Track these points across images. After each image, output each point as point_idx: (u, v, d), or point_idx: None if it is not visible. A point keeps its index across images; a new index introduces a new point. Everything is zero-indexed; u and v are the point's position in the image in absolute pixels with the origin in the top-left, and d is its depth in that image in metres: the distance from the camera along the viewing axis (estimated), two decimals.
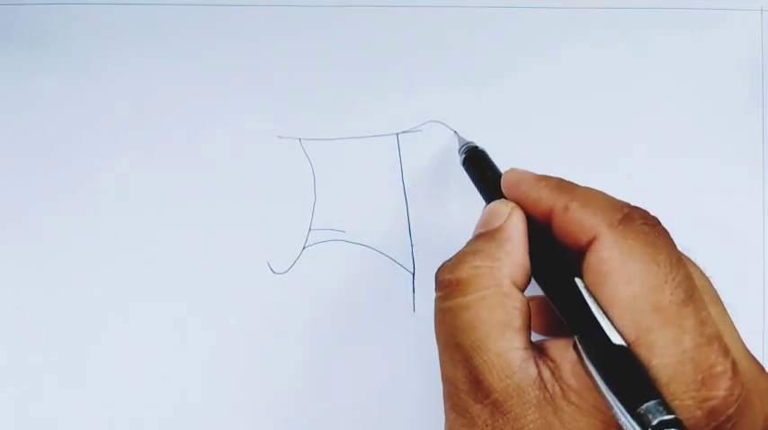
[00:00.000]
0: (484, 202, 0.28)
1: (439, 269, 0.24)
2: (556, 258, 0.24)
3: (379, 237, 0.33)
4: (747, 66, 0.34)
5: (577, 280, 0.22)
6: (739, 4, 0.34)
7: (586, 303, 0.22)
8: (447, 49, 0.34)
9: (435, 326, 0.24)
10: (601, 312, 0.21)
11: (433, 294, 0.32)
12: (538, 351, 0.22)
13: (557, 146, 0.33)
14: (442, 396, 0.32)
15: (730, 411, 0.20)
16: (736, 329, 0.24)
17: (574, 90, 0.34)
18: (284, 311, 0.33)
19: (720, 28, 0.34)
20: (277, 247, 0.33)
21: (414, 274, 0.33)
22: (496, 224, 0.25)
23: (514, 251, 0.24)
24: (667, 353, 0.20)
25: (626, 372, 0.20)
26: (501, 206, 0.25)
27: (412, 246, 0.33)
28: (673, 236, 0.25)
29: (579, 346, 0.21)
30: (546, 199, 0.24)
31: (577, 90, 0.34)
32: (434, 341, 0.32)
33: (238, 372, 0.32)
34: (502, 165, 0.33)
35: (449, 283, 0.23)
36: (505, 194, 0.26)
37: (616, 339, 0.21)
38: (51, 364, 0.32)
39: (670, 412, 0.19)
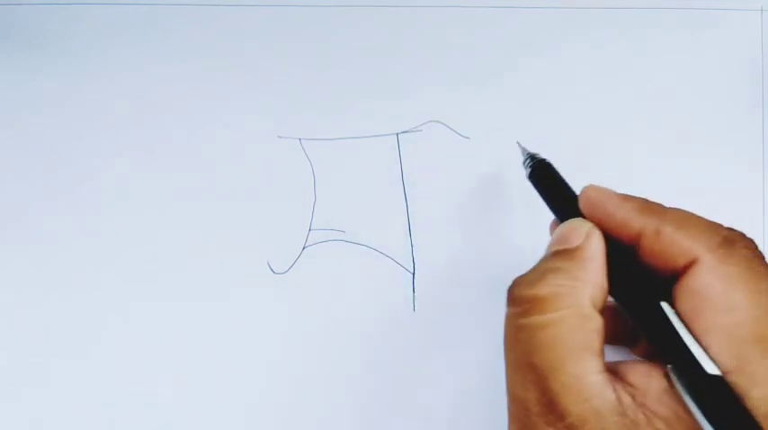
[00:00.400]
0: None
1: (515, 284, 0.23)
2: (642, 281, 0.23)
3: (379, 237, 0.33)
4: (747, 66, 0.34)
5: (664, 305, 0.22)
6: (739, 4, 0.34)
7: (676, 330, 0.21)
8: (447, 49, 0.34)
9: (507, 342, 0.23)
10: (693, 340, 0.21)
11: (433, 294, 0.33)
12: (613, 374, 0.22)
13: (557, 146, 0.33)
14: (441, 395, 0.32)
15: None
16: None
17: (574, 90, 0.34)
18: (284, 311, 0.33)
19: (720, 28, 0.34)
20: (277, 247, 0.33)
21: (414, 274, 0.33)
22: (575, 243, 0.24)
23: (595, 272, 0.23)
24: None
25: (724, 404, 0.20)
26: (580, 224, 0.24)
27: (412, 246, 0.33)
28: None
29: (672, 375, 0.21)
30: (634, 221, 0.23)
31: (577, 90, 0.34)
32: (434, 340, 0.32)
33: (238, 372, 0.32)
34: (502, 165, 0.33)
35: (527, 300, 0.22)
36: (585, 213, 0.25)
37: (711, 369, 0.20)
38: (51, 364, 0.32)
39: None
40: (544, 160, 0.29)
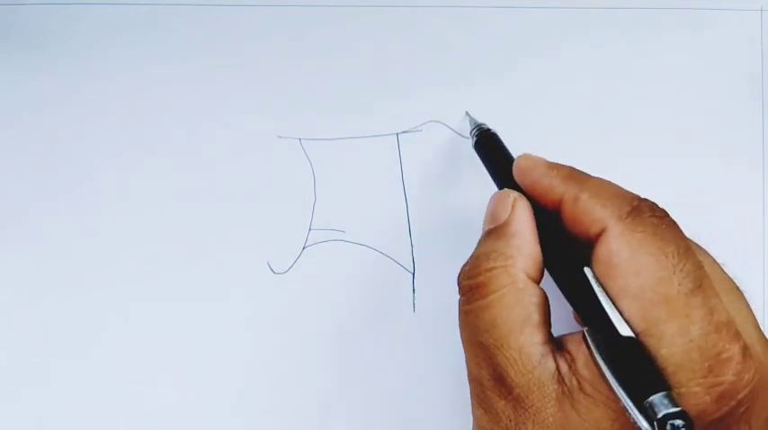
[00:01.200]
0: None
1: (459, 275, 0.25)
2: (565, 248, 0.24)
3: (379, 237, 0.33)
4: (747, 66, 0.34)
5: (587, 270, 0.23)
6: (739, 4, 0.34)
7: (595, 294, 0.22)
8: (447, 49, 0.34)
9: (460, 327, 0.25)
10: (609, 303, 0.22)
11: (433, 294, 0.33)
12: (557, 345, 0.23)
13: (556, 145, 0.33)
14: (441, 395, 0.32)
15: (741, 395, 0.20)
16: (752, 317, 0.24)
17: (574, 90, 0.34)
18: (284, 311, 0.33)
19: (720, 28, 0.34)
20: (277, 247, 0.33)
21: (414, 274, 0.33)
22: (503, 217, 0.25)
23: (524, 244, 0.24)
24: (675, 342, 0.20)
25: (633, 364, 0.20)
26: (504, 197, 0.25)
27: (412, 246, 0.33)
28: None
29: (588, 338, 0.21)
30: (557, 188, 0.24)
31: (577, 90, 0.34)
32: (434, 340, 0.32)
33: (238, 372, 0.32)
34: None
35: (469, 288, 0.24)
36: (517, 180, 0.26)
37: (624, 330, 0.21)
38: (51, 364, 0.32)
39: (676, 405, 0.19)
40: (489, 130, 0.30)
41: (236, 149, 0.33)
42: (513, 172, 0.26)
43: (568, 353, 0.22)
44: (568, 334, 0.23)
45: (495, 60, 0.34)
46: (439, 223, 0.33)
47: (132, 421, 0.32)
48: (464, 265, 0.25)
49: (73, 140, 0.33)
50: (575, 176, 0.25)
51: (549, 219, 0.25)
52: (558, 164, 0.25)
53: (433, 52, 0.34)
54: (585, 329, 0.22)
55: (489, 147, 0.30)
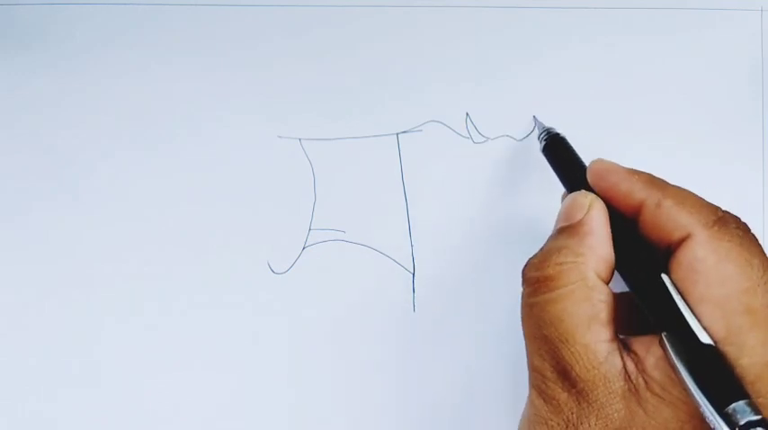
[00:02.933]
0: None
1: (525, 266, 0.25)
2: (641, 253, 0.24)
3: (379, 237, 0.33)
4: (747, 66, 0.34)
5: (664, 276, 0.23)
6: (739, 4, 0.34)
7: (674, 300, 0.22)
8: (447, 49, 0.34)
9: (522, 319, 0.25)
10: (689, 310, 0.22)
11: (433, 294, 0.33)
12: (622, 344, 0.23)
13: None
14: (441, 394, 0.32)
15: None
16: None
17: (573, 90, 0.34)
18: (284, 311, 0.33)
19: (720, 28, 0.34)
20: (277, 247, 0.33)
21: (414, 274, 0.33)
22: (578, 217, 0.25)
23: (597, 245, 0.24)
24: (756, 353, 0.21)
25: (714, 371, 0.21)
26: (581, 198, 0.25)
27: (412, 246, 0.33)
28: None
29: (666, 343, 0.22)
30: (638, 193, 0.24)
31: (577, 90, 0.34)
32: (434, 340, 0.32)
33: (238, 372, 0.32)
34: (500, 164, 0.33)
35: (536, 280, 0.24)
36: (591, 184, 0.26)
37: (704, 338, 0.21)
38: (51, 364, 0.32)
39: (758, 412, 0.19)
40: (558, 134, 0.30)
41: (236, 149, 0.33)
42: (588, 175, 0.26)
43: (635, 353, 0.22)
44: (631, 337, 0.23)
45: (495, 60, 0.34)
46: (439, 223, 0.33)
47: (132, 420, 0.32)
48: (531, 258, 0.25)
49: (73, 140, 0.33)
50: (656, 182, 0.25)
51: (624, 224, 0.25)
52: (636, 170, 0.25)
53: (433, 52, 0.34)
54: (664, 334, 0.22)
55: (559, 151, 0.29)
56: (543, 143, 0.30)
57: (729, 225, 0.23)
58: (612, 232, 0.25)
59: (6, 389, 0.32)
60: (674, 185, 0.25)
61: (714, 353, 0.21)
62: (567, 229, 0.25)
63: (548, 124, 0.31)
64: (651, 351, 0.22)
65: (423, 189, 0.33)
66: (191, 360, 0.32)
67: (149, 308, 0.33)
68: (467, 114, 0.33)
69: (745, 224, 0.23)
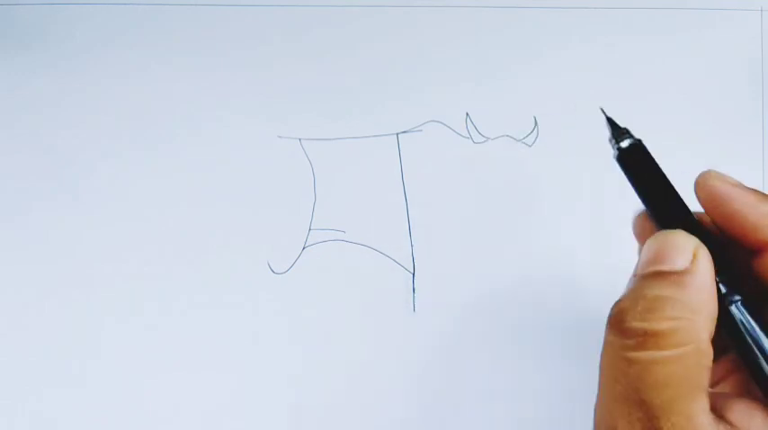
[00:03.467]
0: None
1: (621, 311, 0.21)
2: (753, 304, 0.21)
3: (379, 237, 0.33)
4: (747, 66, 0.34)
5: None
6: (739, 4, 0.34)
7: None
8: (447, 49, 0.34)
9: (611, 373, 0.21)
10: None
11: (433, 294, 0.33)
12: (715, 410, 0.21)
13: (556, 146, 0.33)
14: (442, 396, 0.32)
15: None
16: None
17: (573, 90, 0.34)
18: (284, 311, 0.33)
19: (720, 28, 0.34)
20: (277, 247, 0.33)
21: (414, 274, 0.33)
22: (680, 264, 0.21)
23: (708, 301, 0.21)
24: None
25: None
26: (684, 241, 0.21)
27: (412, 246, 0.33)
28: None
29: None
30: None
31: (577, 90, 0.34)
32: (434, 340, 0.32)
33: (238, 372, 0.32)
34: (500, 164, 0.33)
35: (643, 333, 0.20)
36: (703, 206, 0.23)
37: None
38: (51, 364, 0.32)
39: None
40: (639, 141, 0.24)
41: (236, 149, 0.33)
42: (699, 195, 0.23)
43: (730, 423, 0.20)
44: (720, 397, 0.21)
45: (495, 60, 0.34)
46: (439, 223, 0.33)
47: (132, 420, 0.32)
48: (626, 302, 0.21)
49: (73, 140, 0.33)
50: None
51: (731, 263, 0.21)
52: (764, 193, 0.22)
53: (433, 52, 0.34)
54: None
55: (642, 164, 0.24)
56: (617, 151, 0.24)
57: None
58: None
59: (6, 389, 0.32)
60: None
61: None
62: (669, 277, 0.21)
63: (621, 123, 0.25)
64: (753, 422, 0.20)
65: (423, 189, 0.33)
66: (191, 360, 0.32)
67: (149, 308, 0.33)
68: (467, 114, 0.33)
69: None
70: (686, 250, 0.21)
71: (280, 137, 0.33)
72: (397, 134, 0.33)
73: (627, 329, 0.20)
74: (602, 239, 0.33)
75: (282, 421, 0.32)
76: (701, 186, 0.23)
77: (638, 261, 0.22)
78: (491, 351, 0.32)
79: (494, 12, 0.34)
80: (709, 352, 0.20)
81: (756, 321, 0.21)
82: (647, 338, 0.20)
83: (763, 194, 0.22)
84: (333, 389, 0.32)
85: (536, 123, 0.33)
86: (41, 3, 0.34)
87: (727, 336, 0.21)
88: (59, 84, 0.33)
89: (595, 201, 0.33)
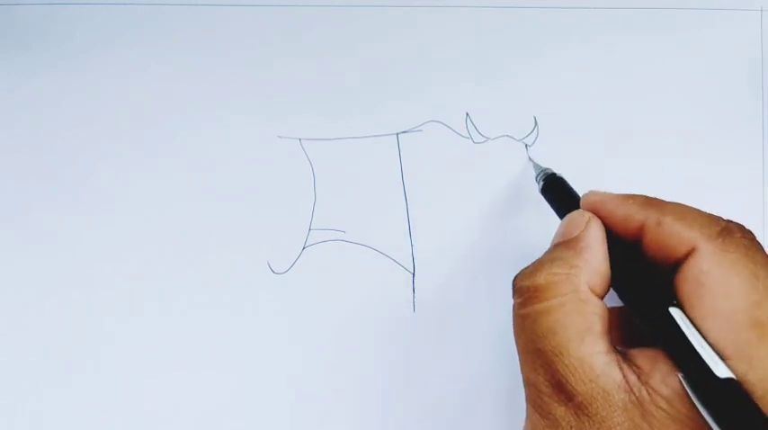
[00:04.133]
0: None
1: (516, 276, 0.25)
2: (649, 283, 0.24)
3: (379, 237, 0.33)
4: (747, 66, 0.34)
5: (674, 310, 0.22)
6: (739, 4, 0.34)
7: (686, 336, 0.21)
8: (447, 49, 0.34)
9: (514, 331, 0.24)
10: (703, 344, 0.21)
11: (433, 294, 0.33)
12: (623, 356, 0.22)
13: (556, 145, 0.33)
14: (441, 395, 0.32)
15: None
16: None
17: (573, 90, 0.34)
18: (284, 311, 0.33)
19: (720, 28, 0.34)
20: (277, 247, 0.33)
21: (414, 274, 0.33)
22: (574, 233, 0.25)
23: (593, 259, 0.24)
24: (764, 367, 0.20)
25: (734, 408, 0.20)
26: (578, 216, 0.25)
27: (412, 246, 0.33)
28: None
29: (684, 382, 0.21)
30: (636, 215, 0.24)
31: (577, 90, 0.34)
32: (434, 340, 0.32)
33: (238, 372, 0.32)
34: (500, 164, 0.33)
35: (527, 290, 0.24)
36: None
37: (721, 372, 0.20)
38: (51, 364, 0.32)
39: None
40: (555, 174, 0.30)
41: (236, 149, 0.33)
42: (583, 207, 0.26)
43: (638, 366, 0.22)
44: (633, 349, 0.23)
45: (495, 60, 0.34)
46: (439, 223, 0.33)
47: (132, 420, 0.32)
48: (523, 269, 0.25)
49: (73, 140, 0.33)
50: (653, 202, 0.24)
51: (627, 252, 0.24)
52: (631, 194, 0.25)
53: (433, 52, 0.34)
54: (681, 376, 0.21)
55: (558, 191, 0.30)
56: (541, 184, 0.30)
57: (734, 235, 0.22)
58: (616, 261, 0.24)
59: (6, 389, 0.32)
60: (671, 202, 0.24)
61: (735, 387, 0.20)
62: (562, 244, 0.25)
63: (543, 164, 0.31)
64: (657, 366, 0.22)
65: (423, 189, 0.33)
66: (191, 360, 0.32)
67: (149, 308, 0.33)
68: (467, 114, 0.33)
69: (749, 232, 0.23)
70: (581, 221, 0.25)
71: (280, 137, 0.33)
72: (397, 134, 0.33)
73: (518, 289, 0.24)
74: None
75: (282, 421, 0.32)
76: (582, 201, 0.26)
77: None
78: (491, 351, 0.32)
79: (494, 12, 0.34)
80: (592, 300, 0.23)
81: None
82: (531, 294, 0.23)
83: (627, 194, 0.25)
84: (333, 389, 0.32)
85: (536, 123, 0.33)
86: (41, 3, 0.34)
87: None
88: (59, 84, 0.33)
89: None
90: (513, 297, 0.25)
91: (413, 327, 0.33)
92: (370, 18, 0.34)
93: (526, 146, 0.33)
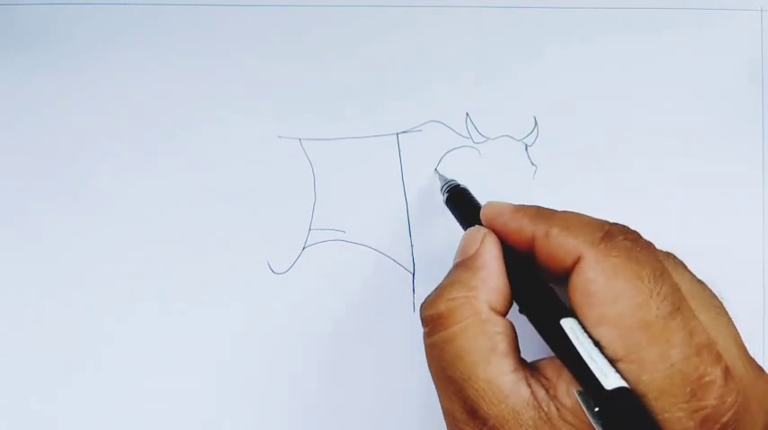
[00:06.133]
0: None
1: (421, 305, 0.25)
2: (542, 295, 0.24)
3: (379, 237, 0.33)
4: (747, 66, 0.34)
5: (563, 322, 0.22)
6: (739, 4, 0.34)
7: (575, 348, 0.21)
8: (447, 49, 0.34)
9: (427, 360, 0.24)
10: (592, 353, 0.21)
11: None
12: (530, 370, 0.23)
13: (556, 145, 0.33)
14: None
15: (725, 419, 0.20)
16: (734, 332, 0.24)
17: (573, 90, 0.34)
18: (284, 311, 0.33)
19: (720, 28, 0.34)
20: (277, 247, 0.33)
21: (414, 274, 0.33)
22: (471, 251, 0.25)
23: (489, 277, 0.24)
24: (656, 368, 0.20)
25: (626, 417, 0.20)
26: (474, 232, 0.26)
27: (412, 246, 0.33)
28: (671, 236, 0.25)
29: (578, 398, 0.21)
30: (526, 227, 0.24)
31: (577, 90, 0.34)
32: None
33: (238, 372, 0.32)
34: (500, 165, 0.33)
35: (431, 319, 0.24)
36: (486, 227, 0.26)
37: (610, 382, 0.20)
38: (51, 364, 0.32)
39: None
40: (458, 185, 0.30)
41: (236, 149, 0.33)
42: (482, 220, 0.26)
43: (545, 378, 0.22)
44: (544, 359, 0.23)
45: (495, 60, 0.34)
46: (439, 223, 0.33)
47: (132, 420, 0.32)
48: (427, 297, 0.25)
49: (72, 140, 0.33)
50: (542, 213, 0.24)
51: (524, 264, 0.24)
52: (524, 206, 0.25)
53: (433, 52, 0.34)
54: (576, 391, 0.21)
55: (459, 202, 0.30)
56: (446, 195, 0.30)
57: (616, 238, 0.22)
58: (513, 275, 0.24)
59: (6, 389, 0.32)
60: (561, 212, 0.24)
61: (624, 397, 0.20)
62: (461, 264, 0.25)
63: (449, 176, 0.31)
64: (562, 376, 0.22)
65: (423, 189, 0.33)
66: (191, 360, 0.32)
67: (149, 308, 0.33)
68: (467, 114, 0.33)
69: (634, 233, 0.23)
70: (477, 238, 0.25)
71: (280, 137, 0.33)
72: (397, 134, 0.33)
73: (423, 318, 0.24)
74: None
75: (282, 421, 0.32)
76: (481, 214, 0.27)
77: None
78: None
79: (494, 12, 0.34)
80: (494, 320, 0.23)
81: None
82: (435, 322, 0.23)
83: (521, 206, 0.25)
84: (333, 389, 0.32)
85: (536, 123, 0.33)
86: (41, 3, 0.34)
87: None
88: (59, 84, 0.33)
89: (595, 200, 0.33)
90: (422, 325, 0.25)
91: (413, 327, 0.33)
92: (370, 18, 0.34)
93: (526, 146, 0.33)
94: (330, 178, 0.33)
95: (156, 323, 0.33)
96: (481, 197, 0.29)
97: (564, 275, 0.23)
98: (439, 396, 0.24)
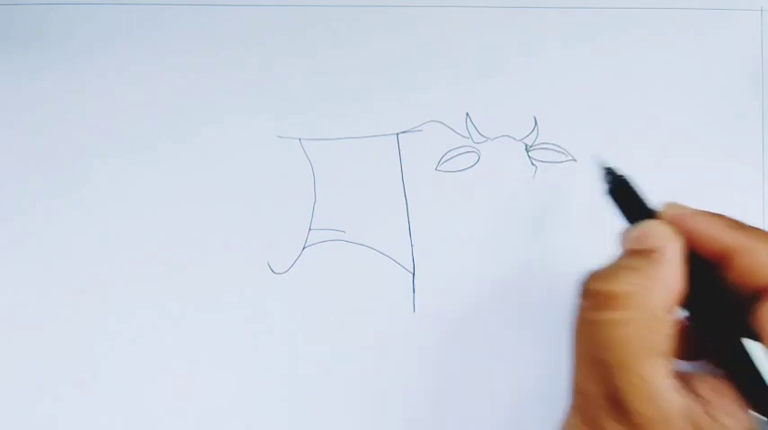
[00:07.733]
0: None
1: (589, 277, 0.23)
2: (723, 308, 0.23)
3: (379, 237, 0.33)
4: (747, 66, 0.34)
5: (747, 342, 0.21)
6: (739, 4, 0.34)
7: (758, 370, 0.21)
8: (447, 49, 0.34)
9: (576, 335, 0.23)
10: None
11: (433, 294, 0.33)
12: (683, 381, 0.22)
13: (556, 146, 0.33)
14: (442, 396, 0.32)
15: None
16: None
17: (574, 90, 0.34)
18: (284, 311, 0.33)
19: (720, 28, 0.34)
20: (277, 247, 0.33)
21: (414, 274, 0.33)
22: (652, 244, 0.23)
23: (672, 277, 0.23)
24: None
25: None
26: (659, 227, 0.24)
27: (412, 246, 0.33)
28: None
29: (759, 423, 0.20)
30: (724, 236, 0.23)
31: (577, 90, 0.34)
32: (434, 340, 0.32)
33: (238, 372, 0.32)
34: (500, 165, 0.33)
35: (599, 295, 0.22)
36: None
37: None
38: (51, 364, 0.32)
39: None
40: (622, 176, 0.28)
41: (236, 149, 0.33)
42: (665, 217, 0.25)
43: (700, 395, 0.22)
44: (698, 375, 0.22)
45: (495, 60, 0.34)
46: (439, 223, 0.33)
47: (132, 420, 0.32)
48: (596, 271, 0.23)
49: (72, 140, 0.33)
50: (744, 227, 0.23)
51: (710, 273, 0.23)
52: (717, 213, 0.24)
53: (433, 52, 0.34)
54: (756, 419, 0.21)
55: (627, 195, 0.27)
56: (608, 186, 0.28)
57: None
58: (692, 280, 0.23)
59: (6, 389, 0.32)
60: (758, 228, 0.23)
61: None
62: (640, 253, 0.23)
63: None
64: (723, 398, 0.21)
65: (423, 189, 0.33)
66: (190, 360, 0.32)
67: (149, 308, 0.33)
68: (467, 114, 0.33)
69: None
70: (660, 234, 0.24)
71: (280, 137, 0.33)
72: (397, 134, 0.33)
73: (587, 291, 0.23)
74: (602, 239, 0.33)
75: (282, 421, 0.32)
76: (665, 212, 0.25)
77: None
78: (491, 351, 0.32)
79: (494, 12, 0.34)
80: (663, 319, 0.22)
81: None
82: (604, 300, 0.22)
83: (712, 212, 0.24)
84: (333, 389, 0.32)
85: (536, 123, 0.33)
86: (41, 3, 0.34)
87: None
88: (59, 84, 0.33)
89: (595, 200, 0.33)
90: (581, 297, 0.23)
91: (413, 327, 0.33)
92: (370, 18, 0.34)
93: (526, 146, 0.33)
94: (330, 178, 0.33)
95: (156, 323, 0.33)
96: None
97: (752, 293, 0.22)
98: (577, 374, 0.23)
